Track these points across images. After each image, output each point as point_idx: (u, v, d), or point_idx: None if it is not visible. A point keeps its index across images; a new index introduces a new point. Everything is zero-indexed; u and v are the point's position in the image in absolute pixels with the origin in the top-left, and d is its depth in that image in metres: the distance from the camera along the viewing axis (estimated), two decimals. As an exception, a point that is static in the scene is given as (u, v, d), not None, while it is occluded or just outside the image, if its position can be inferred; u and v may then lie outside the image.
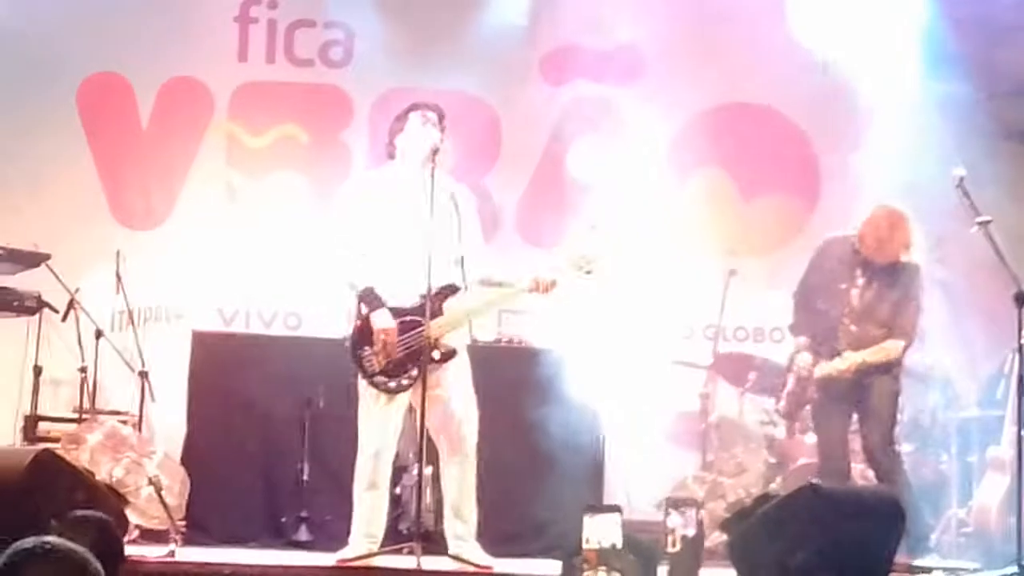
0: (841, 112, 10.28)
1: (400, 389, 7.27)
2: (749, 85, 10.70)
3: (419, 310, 7.24)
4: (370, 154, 10.51)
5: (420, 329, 7.20)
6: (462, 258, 7.38)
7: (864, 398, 7.92)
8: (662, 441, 10.20)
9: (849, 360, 7.82)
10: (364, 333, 7.31)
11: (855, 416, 8.08)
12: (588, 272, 7.40)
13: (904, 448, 8.83)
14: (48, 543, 3.58)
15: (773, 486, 8.85)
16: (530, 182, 10.72)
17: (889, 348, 7.87)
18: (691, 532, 8.95)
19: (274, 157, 10.81)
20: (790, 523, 5.95)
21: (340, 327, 9.23)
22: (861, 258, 7.92)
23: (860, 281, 7.92)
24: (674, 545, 8.88)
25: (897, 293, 7.85)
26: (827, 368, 7.88)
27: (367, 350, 7.28)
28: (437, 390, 7.29)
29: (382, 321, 7.26)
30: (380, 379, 7.28)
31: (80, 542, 3.70)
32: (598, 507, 7.71)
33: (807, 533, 5.88)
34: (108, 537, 4.86)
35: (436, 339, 7.25)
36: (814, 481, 6.55)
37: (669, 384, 10.08)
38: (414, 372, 7.21)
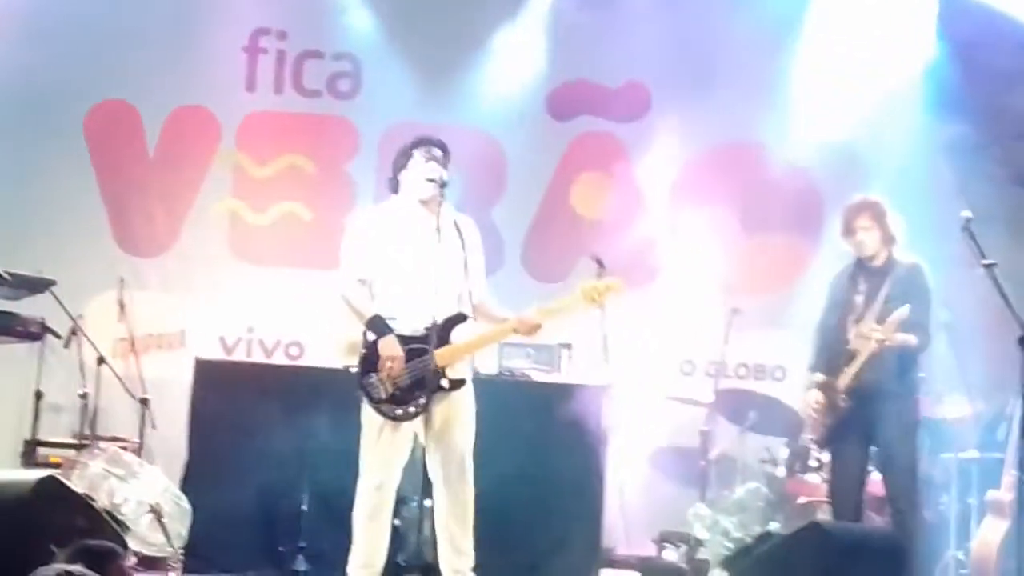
0: (845, 152, 10.32)
1: (407, 417, 7.17)
2: (753, 124, 10.71)
3: (427, 339, 7.18)
4: (376, 186, 10.55)
5: (427, 357, 7.17)
6: (469, 291, 7.34)
7: (881, 429, 7.83)
8: (662, 478, 10.19)
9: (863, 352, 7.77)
10: (371, 360, 7.24)
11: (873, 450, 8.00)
12: (598, 302, 7.35)
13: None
14: (69, 572, 3.58)
15: (773, 524, 8.82)
16: (535, 217, 10.73)
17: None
18: (684, 566, 9.08)
19: (280, 187, 10.87)
20: (792, 562, 5.96)
21: (342, 358, 9.27)
22: (863, 267, 7.96)
23: (863, 287, 7.93)
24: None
25: (900, 289, 7.82)
26: (849, 372, 7.83)
27: (373, 376, 7.22)
28: (442, 421, 7.25)
29: (389, 348, 7.19)
30: (387, 407, 7.20)
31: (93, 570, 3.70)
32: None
33: (809, 573, 5.88)
34: (118, 567, 4.87)
35: (444, 367, 7.21)
36: (818, 520, 6.55)
37: (669, 420, 10.09)
38: (422, 400, 7.12)
